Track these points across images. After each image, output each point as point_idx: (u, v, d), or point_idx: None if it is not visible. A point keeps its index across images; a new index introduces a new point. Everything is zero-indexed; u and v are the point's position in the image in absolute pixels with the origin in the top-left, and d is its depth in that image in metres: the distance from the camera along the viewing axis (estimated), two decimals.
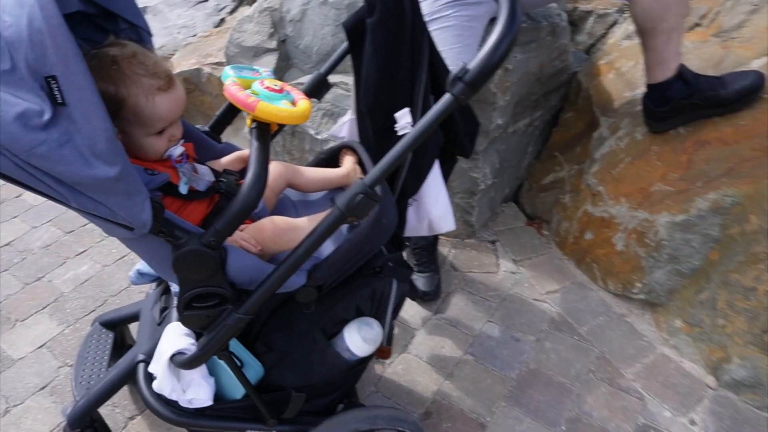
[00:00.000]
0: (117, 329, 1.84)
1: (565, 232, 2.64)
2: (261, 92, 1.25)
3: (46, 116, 0.94)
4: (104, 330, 1.79)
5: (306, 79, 2.90)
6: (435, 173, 1.80)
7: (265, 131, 1.23)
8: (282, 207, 1.63)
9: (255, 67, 1.39)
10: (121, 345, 1.88)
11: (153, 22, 4.40)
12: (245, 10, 4.13)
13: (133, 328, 2.06)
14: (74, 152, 0.96)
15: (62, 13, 0.95)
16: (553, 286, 2.59)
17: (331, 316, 1.48)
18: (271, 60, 2.95)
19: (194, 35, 4.01)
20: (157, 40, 4.08)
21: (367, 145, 1.71)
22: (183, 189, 1.33)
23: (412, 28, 1.51)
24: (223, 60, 3.24)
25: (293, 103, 1.29)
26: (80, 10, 1.30)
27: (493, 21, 2.03)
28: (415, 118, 1.58)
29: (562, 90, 2.95)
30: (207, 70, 3.42)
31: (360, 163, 1.68)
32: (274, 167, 1.57)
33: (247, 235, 1.32)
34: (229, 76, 1.29)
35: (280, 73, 2.98)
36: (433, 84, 1.61)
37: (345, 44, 1.65)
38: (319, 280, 1.35)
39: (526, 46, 2.50)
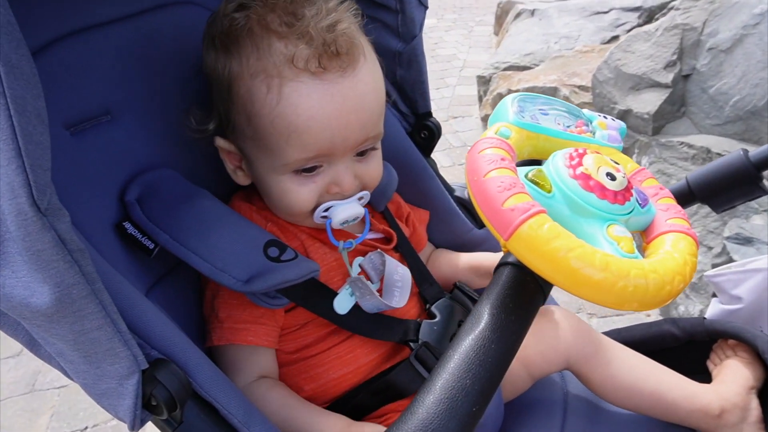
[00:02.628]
0: None
1: None
2: (560, 185, 0.44)
3: None
4: None
5: (701, 141, 1.84)
6: None
7: (533, 292, 0.43)
8: (542, 399, 0.78)
9: (584, 111, 0.57)
10: None
11: (534, 27, 3.84)
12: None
13: None
14: None
15: None
16: None
17: None
18: (653, 99, 1.99)
19: (571, 48, 3.26)
20: (527, 47, 3.49)
21: None
22: (341, 307, 0.64)
23: None
24: (589, 85, 2.41)
25: (642, 242, 0.45)
26: None
27: None
28: None
29: None
30: (565, 92, 2.66)
31: (763, 393, 0.68)
32: (557, 324, 0.74)
33: None
34: (499, 122, 0.51)
35: (660, 120, 1.99)
36: None
37: None
38: None
39: None
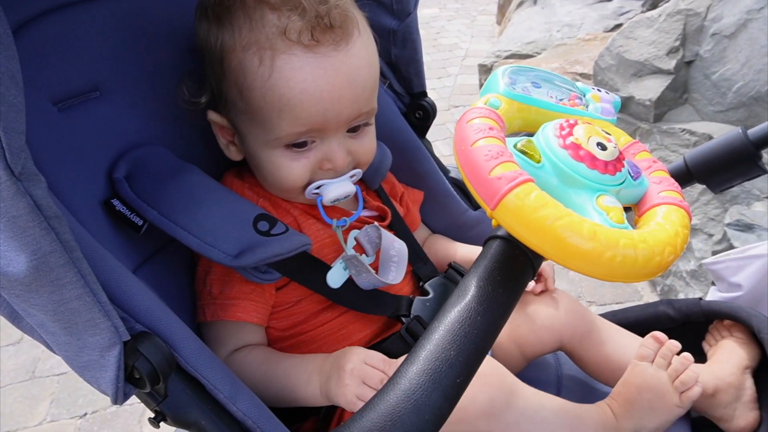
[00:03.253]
0: None
1: None
2: (550, 155, 0.43)
3: None
4: None
5: (703, 128, 1.82)
6: None
7: (522, 265, 0.42)
8: (536, 380, 0.77)
9: (577, 84, 0.56)
10: None
11: (537, 16, 3.80)
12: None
13: None
14: None
15: None
16: None
17: None
18: (655, 86, 1.97)
19: (574, 37, 3.23)
20: (529, 35, 3.46)
21: None
22: (334, 281, 0.64)
23: None
24: (591, 73, 2.39)
25: (635, 215, 0.44)
26: None
27: None
28: None
29: None
30: None
31: (758, 372, 0.68)
32: (551, 303, 0.73)
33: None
34: (489, 93, 0.50)
35: (662, 107, 1.98)
36: None
37: None
38: None
39: None
